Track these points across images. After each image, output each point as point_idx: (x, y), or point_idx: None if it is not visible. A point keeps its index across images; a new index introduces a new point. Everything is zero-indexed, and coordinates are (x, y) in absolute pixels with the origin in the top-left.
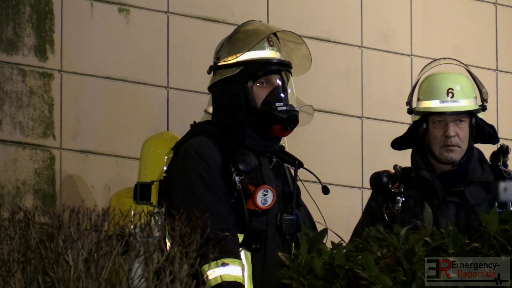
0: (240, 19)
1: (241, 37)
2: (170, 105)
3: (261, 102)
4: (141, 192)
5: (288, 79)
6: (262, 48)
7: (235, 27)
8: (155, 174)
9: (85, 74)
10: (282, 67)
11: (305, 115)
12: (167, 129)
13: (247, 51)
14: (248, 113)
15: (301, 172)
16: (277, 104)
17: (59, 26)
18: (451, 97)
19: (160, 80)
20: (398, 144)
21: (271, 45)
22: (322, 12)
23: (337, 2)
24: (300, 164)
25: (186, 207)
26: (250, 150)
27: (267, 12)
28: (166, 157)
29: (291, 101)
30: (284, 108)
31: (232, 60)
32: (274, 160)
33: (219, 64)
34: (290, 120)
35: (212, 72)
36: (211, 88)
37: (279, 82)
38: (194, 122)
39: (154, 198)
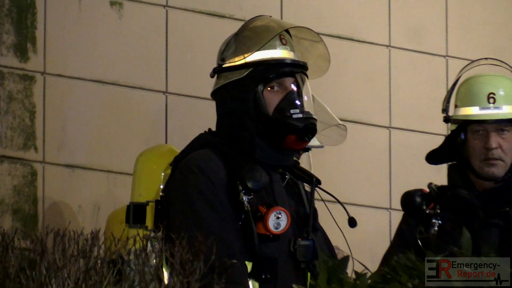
0: (249, 14)
1: (249, 34)
2: (169, 112)
3: (273, 109)
4: (135, 214)
5: (303, 83)
6: (274, 47)
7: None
8: (151, 193)
9: (72, 77)
10: (297, 69)
11: (337, 135)
12: (166, 140)
13: (257, 51)
14: (259, 121)
15: (317, 191)
16: (291, 111)
17: (42, 21)
18: (493, 103)
19: (158, 84)
20: (433, 157)
21: (284, 44)
22: (344, 6)
23: None
24: (317, 182)
25: (187, 231)
26: (260, 165)
27: (281, 6)
28: (163, 173)
29: (308, 107)
30: (300, 115)
31: (239, 61)
32: (287, 177)
33: (224, 66)
34: (306, 129)
35: (216, 75)
36: (214, 94)
37: (294, 86)
38: (209, 129)
39: (149, 221)
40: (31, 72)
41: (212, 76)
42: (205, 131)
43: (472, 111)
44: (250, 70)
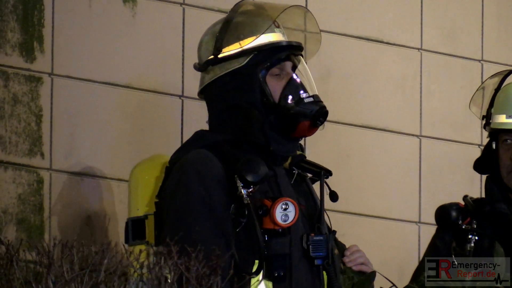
0: None
1: (241, 20)
2: (185, 118)
3: (278, 96)
4: (134, 230)
5: (299, 64)
6: (271, 30)
7: None
8: (149, 206)
9: (82, 78)
10: (297, 51)
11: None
12: None
13: (260, 35)
14: (267, 111)
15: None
16: (302, 96)
17: (50, 19)
18: None
19: (174, 88)
20: (478, 166)
21: (277, 26)
22: (372, 6)
23: None
24: (327, 173)
25: (177, 237)
26: (264, 159)
27: (306, 5)
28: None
29: (313, 90)
30: (311, 99)
31: (235, 49)
32: (295, 172)
33: (220, 56)
34: (320, 113)
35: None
36: (206, 89)
37: (293, 70)
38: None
39: (150, 235)
40: (37, 73)
41: (203, 70)
42: (201, 130)
43: (501, 119)
44: (250, 57)
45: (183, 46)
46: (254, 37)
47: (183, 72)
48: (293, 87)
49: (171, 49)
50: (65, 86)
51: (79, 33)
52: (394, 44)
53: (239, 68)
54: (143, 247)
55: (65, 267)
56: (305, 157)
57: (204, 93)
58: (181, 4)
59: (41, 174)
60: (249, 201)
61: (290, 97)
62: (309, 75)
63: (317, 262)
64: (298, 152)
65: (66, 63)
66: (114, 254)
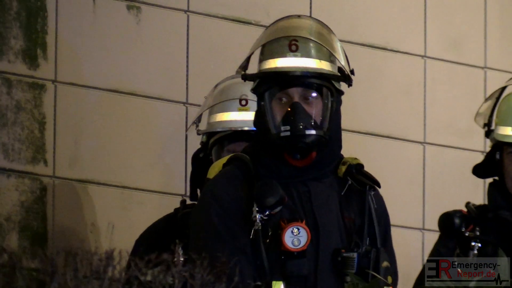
0: None
1: (262, 41)
2: (189, 124)
3: (278, 123)
4: None
5: (329, 91)
6: (282, 55)
7: None
8: None
9: (85, 85)
10: (309, 79)
11: None
12: (185, 155)
13: (264, 60)
14: (264, 137)
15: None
16: (282, 128)
17: (53, 26)
18: None
19: (178, 95)
20: (478, 171)
21: (293, 50)
22: (377, 14)
23: (396, 2)
24: (375, 184)
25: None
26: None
27: (310, 13)
28: None
29: (321, 120)
30: (288, 133)
31: (258, 70)
32: (349, 182)
33: (243, 74)
34: (293, 149)
35: None
36: None
37: (299, 97)
38: None
39: None
40: (41, 80)
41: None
42: (250, 143)
43: (507, 132)
44: (257, 81)
45: (187, 53)
46: (265, 61)
47: (187, 79)
48: (283, 117)
49: (175, 56)
50: (69, 93)
51: (82, 40)
52: (398, 52)
53: (253, 89)
54: None
55: (68, 275)
56: (363, 166)
57: None
58: (185, 11)
59: (45, 182)
60: (260, 227)
61: (279, 127)
62: (319, 104)
63: (347, 278)
64: (356, 161)
65: (69, 70)
66: (118, 262)
